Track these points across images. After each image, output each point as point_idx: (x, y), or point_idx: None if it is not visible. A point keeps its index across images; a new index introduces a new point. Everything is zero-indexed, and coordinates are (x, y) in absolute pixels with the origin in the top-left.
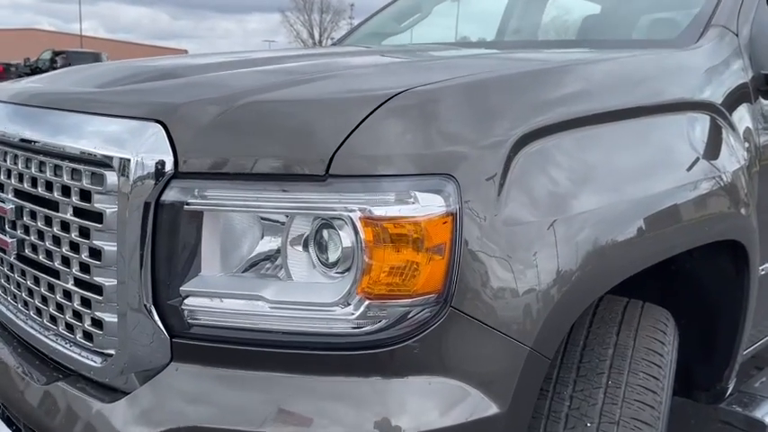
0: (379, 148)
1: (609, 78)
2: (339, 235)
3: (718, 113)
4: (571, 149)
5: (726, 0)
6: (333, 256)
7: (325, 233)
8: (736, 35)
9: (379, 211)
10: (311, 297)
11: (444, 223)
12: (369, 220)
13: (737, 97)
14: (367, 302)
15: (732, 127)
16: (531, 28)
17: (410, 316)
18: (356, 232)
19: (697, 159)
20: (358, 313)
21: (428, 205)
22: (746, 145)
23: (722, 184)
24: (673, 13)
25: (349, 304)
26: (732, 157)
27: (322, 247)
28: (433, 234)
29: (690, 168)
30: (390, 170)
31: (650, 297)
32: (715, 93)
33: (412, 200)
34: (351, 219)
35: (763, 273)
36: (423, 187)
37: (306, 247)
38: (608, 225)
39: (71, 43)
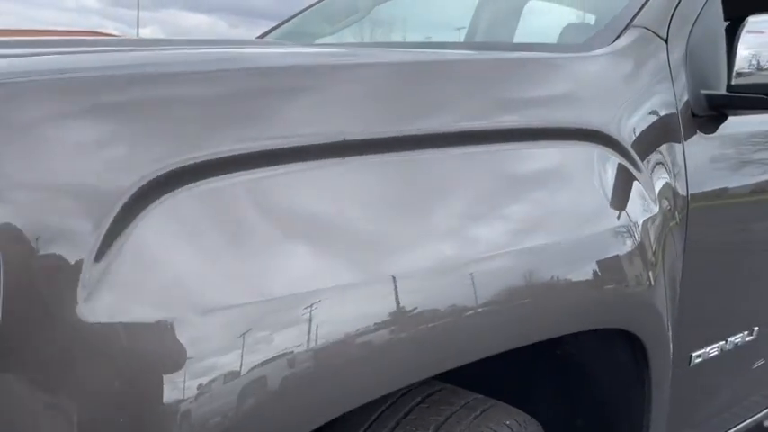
0: None
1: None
2: None
3: (615, 146)
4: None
5: None
6: None
7: None
8: (665, 42)
9: None
10: None
11: None
12: None
13: (655, 125)
14: None
15: (636, 165)
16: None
17: None
18: None
19: (560, 210)
20: None
21: None
22: (665, 196)
23: (608, 248)
24: (603, 15)
25: None
26: (633, 211)
27: None
28: None
29: (544, 222)
30: None
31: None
32: (615, 116)
33: None
34: None
35: (697, 361)
36: None
37: None
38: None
39: None
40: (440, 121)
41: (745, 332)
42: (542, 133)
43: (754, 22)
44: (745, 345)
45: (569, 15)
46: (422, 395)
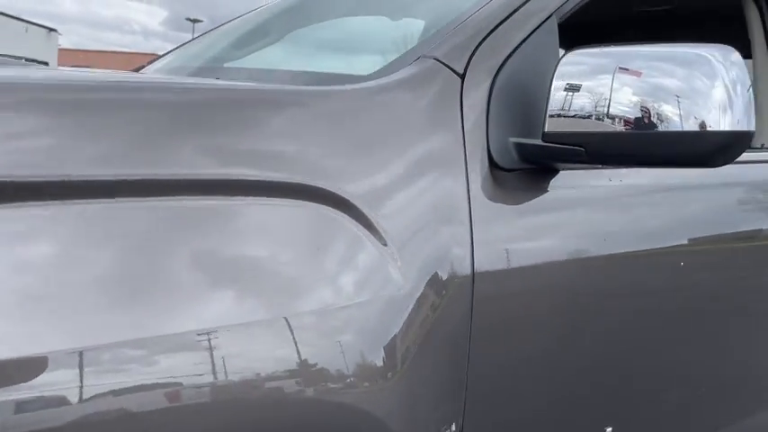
0: None
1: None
2: None
3: (349, 208)
4: None
5: (461, 24)
6: None
7: None
8: (461, 77)
9: None
10: None
11: None
12: None
13: (425, 180)
14: None
15: (377, 233)
16: (240, 54)
17: None
18: None
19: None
20: None
21: None
22: (431, 273)
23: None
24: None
25: None
26: (360, 294)
27: None
28: None
29: (232, 302)
30: None
31: None
32: (358, 169)
33: None
34: None
35: None
36: None
37: None
38: None
39: None
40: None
41: None
42: (243, 187)
43: (574, 56)
44: None
45: (386, 39)
46: None
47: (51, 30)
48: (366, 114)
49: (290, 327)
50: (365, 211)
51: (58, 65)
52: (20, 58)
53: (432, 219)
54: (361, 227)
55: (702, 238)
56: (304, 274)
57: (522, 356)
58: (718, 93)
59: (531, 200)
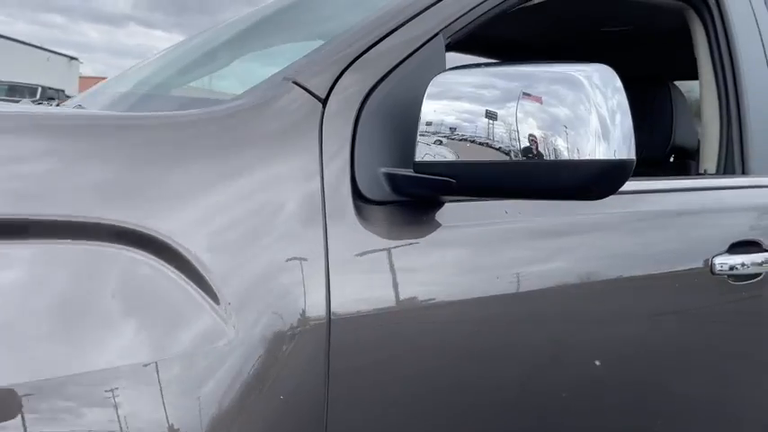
0: None
1: None
2: None
3: (164, 251)
4: None
5: (329, 43)
6: None
7: None
8: (322, 102)
9: None
10: None
11: None
12: None
13: (264, 215)
14: None
15: (200, 280)
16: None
17: None
18: None
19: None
20: None
21: None
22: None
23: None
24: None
25: None
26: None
27: None
28: None
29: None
30: None
31: None
32: (179, 208)
33: None
34: None
35: None
36: None
37: None
38: None
39: None
40: None
41: None
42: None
43: (445, 77)
44: None
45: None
46: None
47: (72, 58)
48: (201, 142)
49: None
50: (185, 254)
51: (79, 91)
52: (36, 86)
53: (275, 259)
54: (179, 273)
55: (611, 280)
56: (96, 327)
57: (388, 410)
58: (594, 119)
59: (406, 236)
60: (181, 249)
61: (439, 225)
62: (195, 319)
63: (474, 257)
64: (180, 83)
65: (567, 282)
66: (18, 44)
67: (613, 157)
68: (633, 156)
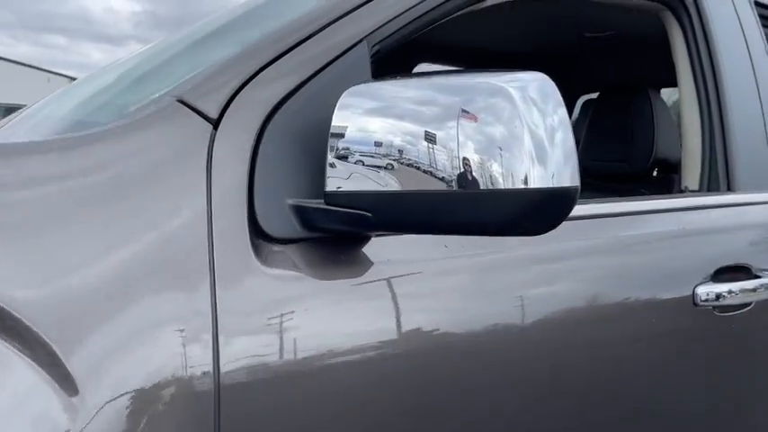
0: None
1: None
2: None
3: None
4: None
5: (229, 55)
6: None
7: None
8: (213, 124)
9: None
10: None
11: None
12: None
13: (138, 265)
14: None
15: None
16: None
17: None
18: None
19: None
20: None
21: None
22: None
23: None
24: None
25: None
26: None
27: None
28: None
29: None
30: None
31: None
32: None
33: None
34: None
35: None
36: None
37: None
38: None
39: None
40: None
41: None
42: None
43: (354, 94)
44: None
45: None
46: None
47: (73, 79)
48: (50, 173)
49: None
50: (24, 321)
51: None
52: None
53: (144, 323)
54: (16, 347)
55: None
56: None
57: None
58: (527, 139)
59: (321, 278)
60: (18, 315)
61: (363, 264)
62: (34, 405)
63: (405, 302)
64: (93, 103)
65: (527, 321)
66: (18, 66)
67: (550, 185)
68: (577, 181)
